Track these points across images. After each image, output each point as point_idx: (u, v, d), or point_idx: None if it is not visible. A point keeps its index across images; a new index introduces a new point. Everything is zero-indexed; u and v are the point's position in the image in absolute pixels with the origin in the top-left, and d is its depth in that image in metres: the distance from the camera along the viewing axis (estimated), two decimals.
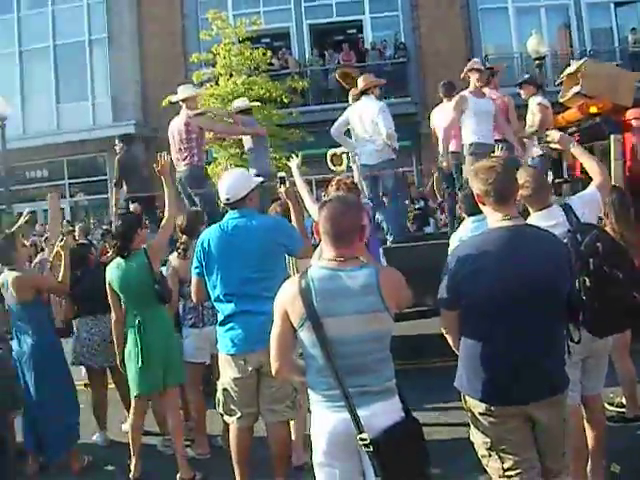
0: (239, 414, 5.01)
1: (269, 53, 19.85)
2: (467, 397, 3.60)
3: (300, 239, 5.22)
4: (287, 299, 3.35)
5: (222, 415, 5.19)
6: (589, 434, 4.93)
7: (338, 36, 25.51)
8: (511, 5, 24.62)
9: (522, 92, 9.81)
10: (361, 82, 8.94)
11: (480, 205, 3.73)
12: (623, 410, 6.33)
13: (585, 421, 4.92)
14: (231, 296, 4.94)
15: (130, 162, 10.93)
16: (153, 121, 23.18)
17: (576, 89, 9.56)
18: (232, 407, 5.03)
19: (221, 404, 5.08)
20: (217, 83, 19.07)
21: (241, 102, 10.29)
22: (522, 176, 4.37)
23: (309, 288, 3.27)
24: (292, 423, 5.85)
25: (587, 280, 3.97)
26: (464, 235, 5.18)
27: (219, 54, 19.28)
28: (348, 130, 9.21)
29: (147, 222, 9.33)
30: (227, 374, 5.00)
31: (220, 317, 5.06)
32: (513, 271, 3.43)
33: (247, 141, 9.87)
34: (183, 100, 9.02)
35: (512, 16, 24.58)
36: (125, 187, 10.58)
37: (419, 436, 3.43)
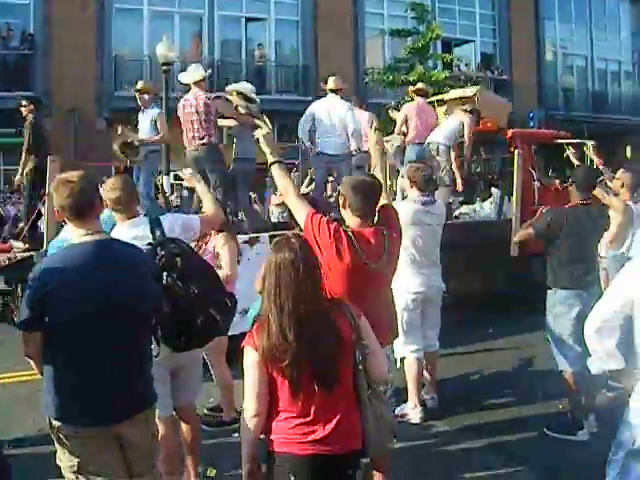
0: None
1: None
2: (52, 420, 3.38)
3: None
4: None
5: None
6: (185, 442, 5.02)
7: None
8: (146, 8, 24.57)
9: None
10: (332, 82, 10.08)
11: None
12: (221, 414, 6.46)
13: (181, 430, 4.99)
14: None
15: (42, 129, 9.76)
16: None
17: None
18: None
19: None
20: None
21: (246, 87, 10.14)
22: (109, 187, 4.34)
23: None
24: None
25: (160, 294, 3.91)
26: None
27: None
28: None
29: None
30: None
31: None
32: (96, 288, 3.30)
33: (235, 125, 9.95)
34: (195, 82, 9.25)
35: (146, 19, 24.60)
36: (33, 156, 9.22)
37: None
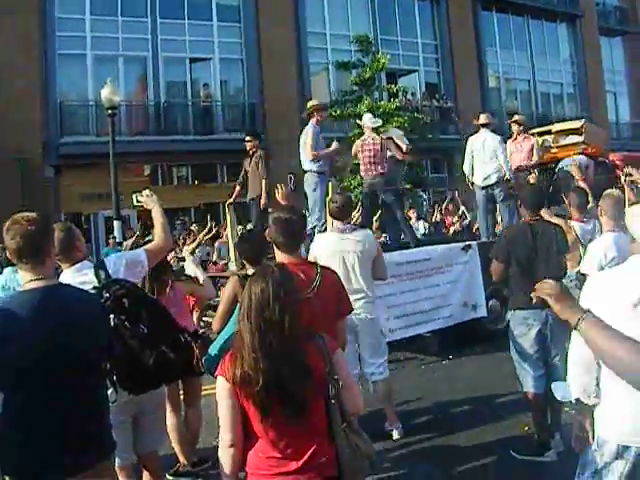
0: None
1: None
2: (2, 475, 3.21)
3: None
4: None
5: None
6: None
7: None
8: (90, 52, 24.47)
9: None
10: (483, 118, 11.55)
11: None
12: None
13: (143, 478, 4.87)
14: None
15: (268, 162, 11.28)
16: None
17: (578, 139, 13.38)
18: None
19: None
20: None
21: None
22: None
23: None
24: None
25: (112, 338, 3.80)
26: None
27: None
28: None
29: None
30: None
31: None
32: (45, 336, 3.15)
33: None
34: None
35: (90, 63, 24.46)
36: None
37: None
